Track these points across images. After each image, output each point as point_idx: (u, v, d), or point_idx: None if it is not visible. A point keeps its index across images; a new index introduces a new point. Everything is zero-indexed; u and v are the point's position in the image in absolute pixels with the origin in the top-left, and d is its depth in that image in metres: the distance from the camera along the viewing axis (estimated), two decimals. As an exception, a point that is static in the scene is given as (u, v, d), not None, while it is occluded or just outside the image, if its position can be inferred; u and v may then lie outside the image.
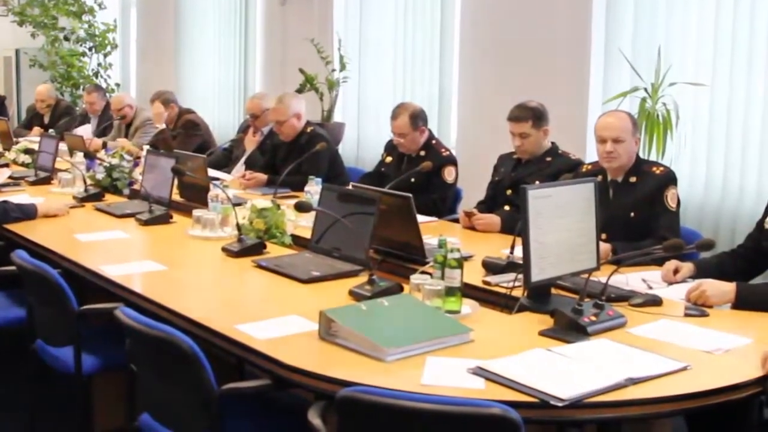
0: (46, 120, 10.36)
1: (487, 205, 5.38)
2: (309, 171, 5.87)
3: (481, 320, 3.32)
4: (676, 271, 3.91)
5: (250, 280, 4.04)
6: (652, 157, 5.56)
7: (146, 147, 7.42)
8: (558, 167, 5.06)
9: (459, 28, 7.63)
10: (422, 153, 5.85)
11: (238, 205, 4.87)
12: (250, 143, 7.25)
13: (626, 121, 4.48)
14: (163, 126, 8.07)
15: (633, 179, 4.49)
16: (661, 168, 4.54)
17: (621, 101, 5.85)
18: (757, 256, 4.03)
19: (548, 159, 5.21)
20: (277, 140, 6.89)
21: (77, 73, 12.01)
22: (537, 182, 4.95)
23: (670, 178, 4.46)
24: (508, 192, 5.26)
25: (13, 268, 4.10)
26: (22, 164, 7.49)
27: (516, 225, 4.82)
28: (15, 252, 4.09)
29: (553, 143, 5.27)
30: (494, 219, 5.06)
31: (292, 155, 6.49)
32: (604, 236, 4.17)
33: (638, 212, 4.41)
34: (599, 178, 4.48)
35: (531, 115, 5.15)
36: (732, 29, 5.68)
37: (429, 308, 3.28)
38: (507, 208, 5.23)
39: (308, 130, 6.69)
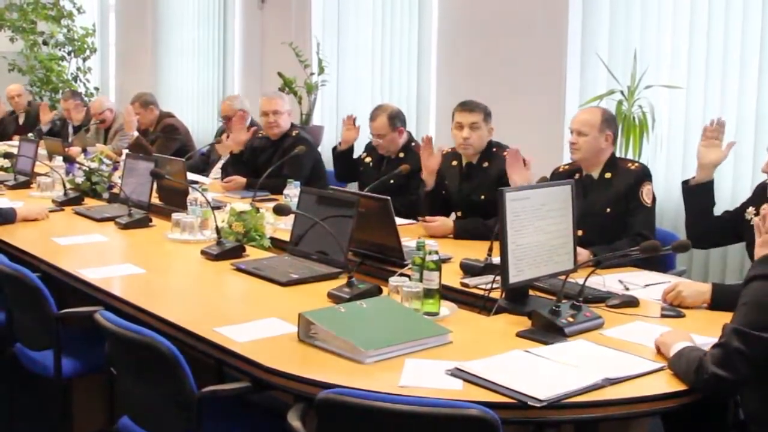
0: (21, 121, 10.35)
1: (433, 195, 5.28)
2: (291, 174, 5.87)
3: (459, 322, 3.33)
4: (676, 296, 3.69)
5: (229, 283, 4.04)
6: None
7: (125, 151, 7.39)
8: (498, 171, 5.01)
9: (437, 31, 7.66)
10: (401, 155, 5.87)
11: (218, 208, 4.88)
12: (224, 149, 7.08)
13: (595, 116, 4.52)
14: (135, 134, 7.92)
15: (608, 175, 4.52)
16: (636, 164, 4.58)
17: (597, 104, 5.87)
18: (728, 226, 4.18)
19: (485, 165, 5.19)
20: (259, 143, 6.86)
21: (56, 77, 11.97)
22: (482, 197, 4.99)
23: (645, 174, 4.49)
24: (459, 213, 5.26)
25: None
26: (1, 168, 7.46)
27: (468, 232, 4.89)
28: (-7, 256, 4.08)
29: (490, 141, 5.23)
30: (447, 222, 5.01)
31: (275, 158, 6.45)
32: (580, 232, 4.19)
33: (614, 208, 4.44)
34: (576, 175, 4.52)
35: (483, 108, 5.16)
36: (707, 32, 5.74)
37: (407, 310, 3.29)
38: (459, 213, 5.25)
39: (293, 133, 6.66)
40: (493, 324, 3.38)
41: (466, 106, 5.18)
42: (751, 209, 4.04)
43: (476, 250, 4.24)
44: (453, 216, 5.26)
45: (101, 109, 8.93)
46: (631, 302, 3.59)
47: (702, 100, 5.78)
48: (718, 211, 4.30)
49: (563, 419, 2.62)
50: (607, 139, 4.53)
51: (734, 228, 4.14)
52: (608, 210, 4.44)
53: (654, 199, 4.48)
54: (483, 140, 5.17)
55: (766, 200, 3.96)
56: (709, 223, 4.25)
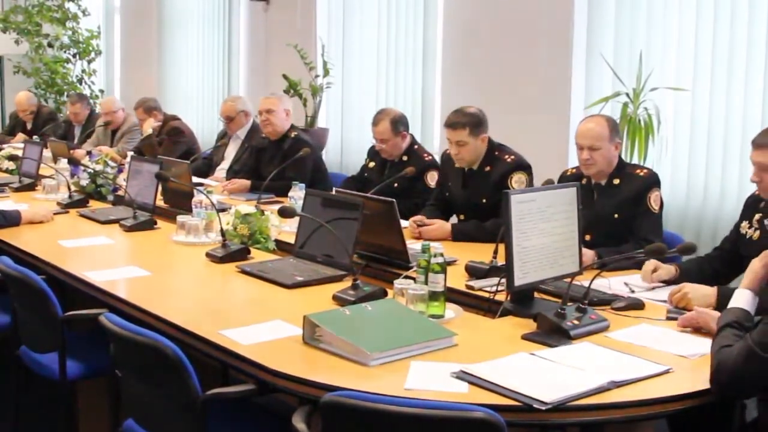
0: (29, 126, 10.34)
1: (437, 207, 5.30)
2: (294, 176, 5.86)
3: (464, 324, 3.33)
4: (654, 271, 3.94)
5: (234, 286, 4.04)
6: (634, 162, 5.58)
7: (130, 153, 7.41)
8: (500, 174, 5.02)
9: (442, 33, 7.64)
10: (405, 158, 5.86)
11: (222, 210, 4.88)
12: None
13: (603, 128, 4.46)
14: (150, 131, 8.04)
15: (616, 181, 4.50)
16: (645, 170, 4.56)
17: (603, 106, 5.88)
18: (734, 257, 4.05)
19: (487, 169, 5.11)
20: (259, 144, 6.87)
21: (61, 79, 11.97)
22: (484, 200, 4.97)
23: (653, 181, 4.48)
24: (462, 216, 5.25)
25: (-4, 274, 4.08)
26: (6, 171, 7.47)
27: (466, 234, 4.87)
28: (-1, 258, 4.09)
29: (489, 143, 5.13)
30: (444, 226, 4.98)
31: (275, 160, 6.48)
32: (588, 237, 4.20)
33: (622, 213, 4.43)
34: (583, 180, 4.51)
35: (468, 122, 4.99)
36: (712, 35, 5.73)
37: (412, 313, 3.29)
38: (462, 216, 5.24)
39: (293, 134, 6.68)
40: (498, 326, 3.37)
41: (449, 124, 5.05)
42: (744, 224, 4.01)
43: (481, 253, 4.24)
44: (454, 219, 5.25)
45: (113, 109, 8.94)
46: (637, 305, 3.59)
47: (707, 102, 5.77)
48: (723, 224, 4.23)
49: (568, 422, 2.62)
50: (617, 147, 4.51)
51: (738, 252, 4.08)
52: (616, 215, 4.43)
53: (661, 206, 4.47)
54: (475, 152, 5.06)
55: (757, 211, 3.94)
56: (727, 275, 4.17)
